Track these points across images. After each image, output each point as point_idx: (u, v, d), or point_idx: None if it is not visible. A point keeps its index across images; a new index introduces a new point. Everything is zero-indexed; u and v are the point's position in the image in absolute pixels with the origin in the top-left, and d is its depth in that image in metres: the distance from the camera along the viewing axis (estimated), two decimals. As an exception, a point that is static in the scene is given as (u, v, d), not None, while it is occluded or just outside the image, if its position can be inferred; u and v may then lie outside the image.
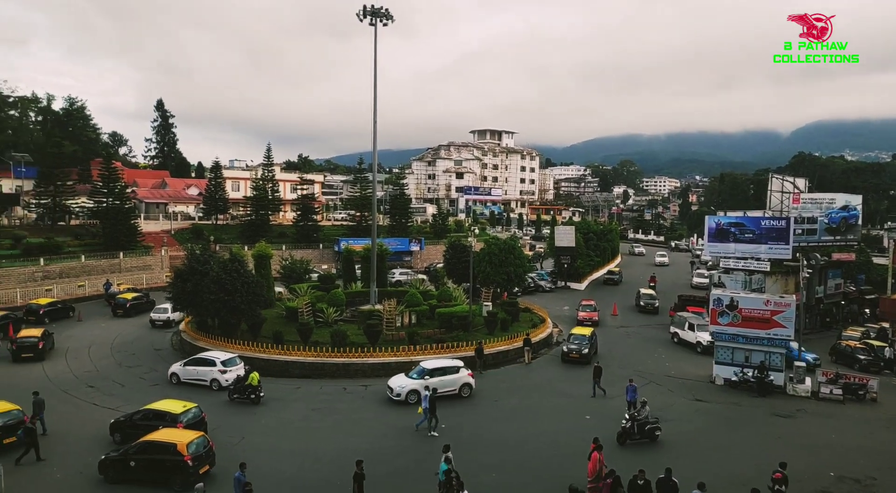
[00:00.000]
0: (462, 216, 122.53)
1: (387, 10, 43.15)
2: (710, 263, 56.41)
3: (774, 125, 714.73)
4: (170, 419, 22.30)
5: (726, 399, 29.51)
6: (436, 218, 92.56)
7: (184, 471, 19.32)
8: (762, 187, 70.65)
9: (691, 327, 40.45)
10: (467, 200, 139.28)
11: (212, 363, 30.26)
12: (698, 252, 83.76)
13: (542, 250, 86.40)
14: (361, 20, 42.89)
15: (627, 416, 23.37)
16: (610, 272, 69.53)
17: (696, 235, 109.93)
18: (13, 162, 79.43)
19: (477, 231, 47.34)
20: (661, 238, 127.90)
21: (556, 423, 25.82)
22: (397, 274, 61.29)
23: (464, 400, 28.46)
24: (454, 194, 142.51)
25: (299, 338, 34.23)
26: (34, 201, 67.20)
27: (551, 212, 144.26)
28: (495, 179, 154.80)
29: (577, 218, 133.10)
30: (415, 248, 78.16)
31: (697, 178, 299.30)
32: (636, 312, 51.82)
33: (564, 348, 35.83)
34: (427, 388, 25.71)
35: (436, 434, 23.77)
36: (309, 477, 20.53)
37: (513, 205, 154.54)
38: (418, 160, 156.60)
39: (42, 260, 52.25)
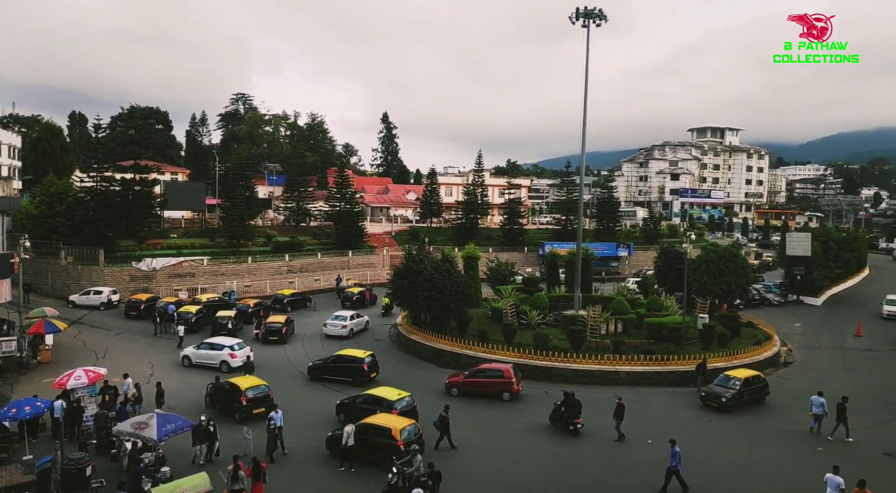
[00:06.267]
0: (676, 220, 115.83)
1: (600, 10, 42.22)
2: None
3: None
4: (386, 405, 24.20)
5: None
6: (646, 222, 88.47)
7: (396, 455, 20.80)
8: None
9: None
10: (683, 203, 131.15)
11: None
12: None
13: (769, 258, 78.47)
14: (574, 23, 42.47)
15: (395, 469, 19.00)
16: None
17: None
18: (267, 171, 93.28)
19: (693, 236, 44.04)
20: None
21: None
22: None
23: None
24: (668, 197, 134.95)
25: (503, 338, 34.98)
26: (282, 205, 77.96)
27: (782, 217, 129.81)
28: (716, 181, 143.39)
29: (814, 224, 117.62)
30: (623, 253, 75.50)
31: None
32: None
33: (702, 393, 28.72)
34: (823, 406, 24.84)
35: (850, 439, 23.87)
36: (513, 478, 20.90)
37: (736, 209, 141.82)
38: (629, 162, 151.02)
39: (287, 256, 60.14)
